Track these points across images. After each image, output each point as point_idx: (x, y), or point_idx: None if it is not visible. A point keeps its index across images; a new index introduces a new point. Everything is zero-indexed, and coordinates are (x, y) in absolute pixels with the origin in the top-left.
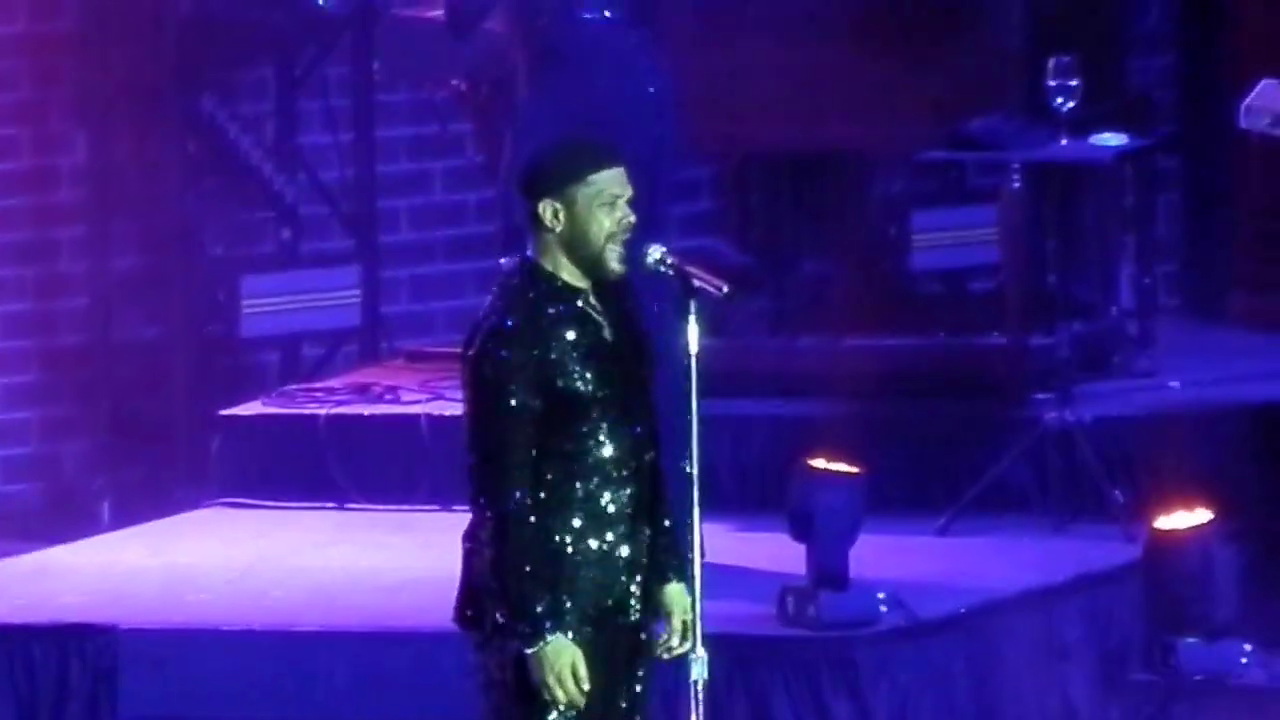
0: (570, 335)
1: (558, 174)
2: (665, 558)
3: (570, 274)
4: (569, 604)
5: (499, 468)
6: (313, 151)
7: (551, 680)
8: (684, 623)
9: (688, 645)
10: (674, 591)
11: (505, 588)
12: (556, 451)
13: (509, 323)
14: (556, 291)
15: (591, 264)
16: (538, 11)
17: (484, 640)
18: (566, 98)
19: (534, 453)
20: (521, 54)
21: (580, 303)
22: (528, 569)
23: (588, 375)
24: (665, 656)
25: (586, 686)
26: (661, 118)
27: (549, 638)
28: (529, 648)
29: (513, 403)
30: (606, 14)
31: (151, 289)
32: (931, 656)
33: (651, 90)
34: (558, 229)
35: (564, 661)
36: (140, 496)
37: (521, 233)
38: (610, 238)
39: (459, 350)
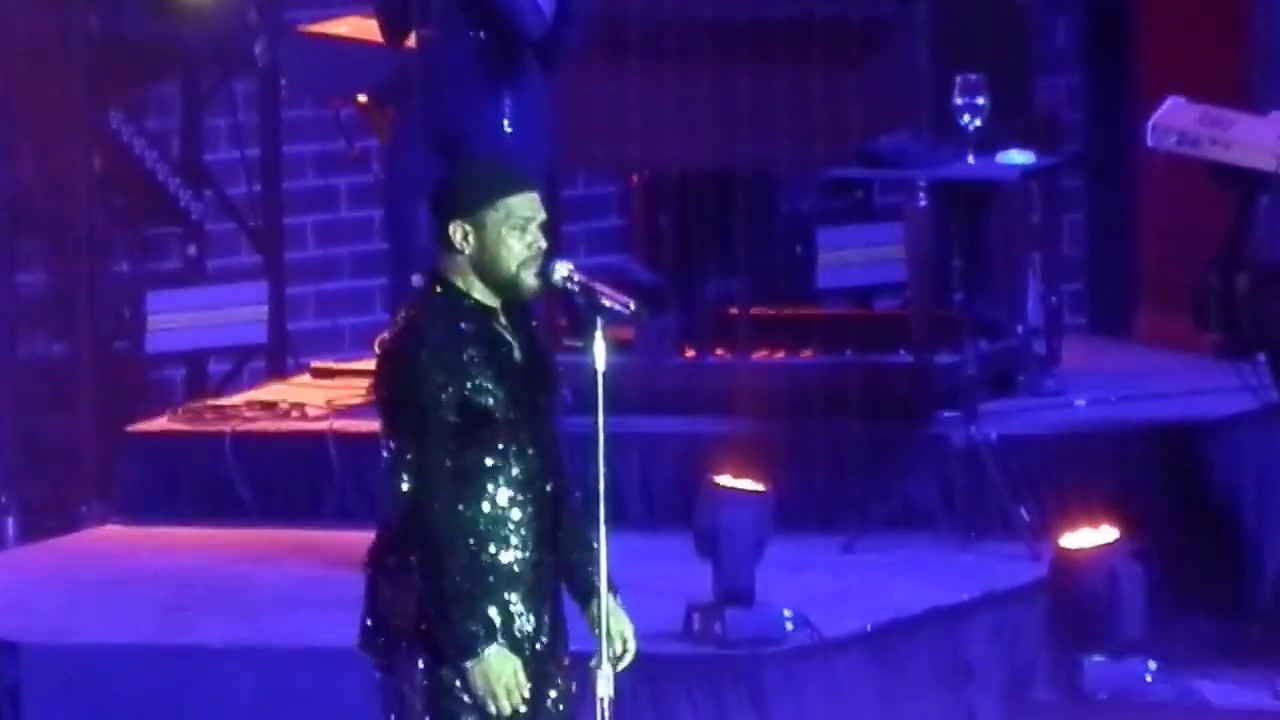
0: (482, 354)
1: (468, 196)
2: (593, 578)
3: (481, 293)
4: (497, 619)
5: (424, 465)
6: (219, 167)
7: (499, 690)
8: (621, 634)
9: (629, 657)
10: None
11: (444, 607)
12: (465, 472)
13: (424, 329)
14: (468, 310)
15: (504, 286)
16: (423, 21)
17: (394, 664)
18: (434, 117)
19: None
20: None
21: (492, 322)
22: (461, 582)
23: (500, 395)
24: (615, 670)
25: (526, 695)
26: (535, 140)
27: (490, 648)
28: (469, 660)
29: (430, 394)
30: (483, 35)
31: (57, 305)
32: (837, 674)
33: (528, 113)
34: (467, 250)
35: (508, 671)
36: (45, 513)
37: (401, 255)
38: (522, 263)
39: (367, 366)
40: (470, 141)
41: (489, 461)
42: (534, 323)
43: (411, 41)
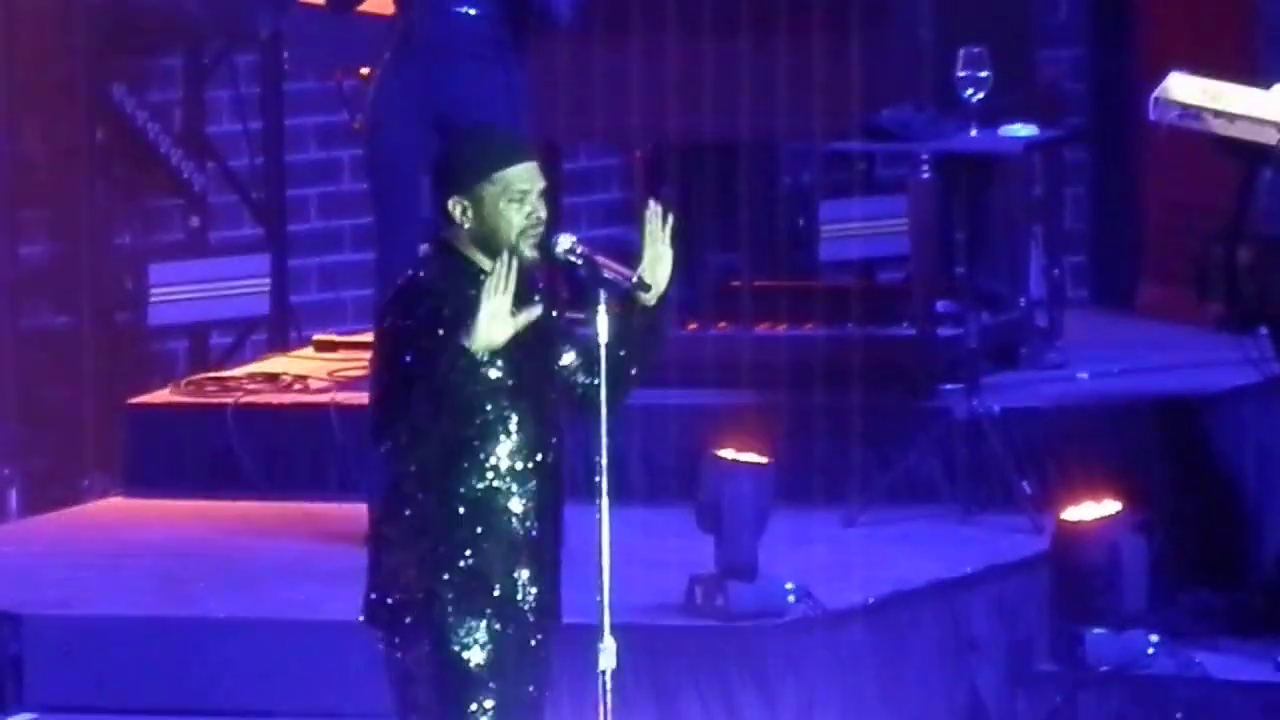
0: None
1: (464, 171)
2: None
3: (484, 263)
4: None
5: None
6: (222, 140)
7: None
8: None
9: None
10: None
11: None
12: (463, 442)
13: (424, 295)
14: (472, 278)
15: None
16: (408, 3)
17: (399, 636)
18: (418, 91)
19: (439, 437)
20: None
21: None
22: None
23: (497, 362)
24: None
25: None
26: (519, 116)
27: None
28: (466, 341)
29: (415, 359)
30: (472, 11)
31: (60, 277)
32: (839, 648)
33: (504, 96)
34: (466, 225)
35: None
36: (47, 485)
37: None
38: (521, 233)
39: (370, 338)
40: (474, 116)
41: (488, 431)
42: (536, 295)
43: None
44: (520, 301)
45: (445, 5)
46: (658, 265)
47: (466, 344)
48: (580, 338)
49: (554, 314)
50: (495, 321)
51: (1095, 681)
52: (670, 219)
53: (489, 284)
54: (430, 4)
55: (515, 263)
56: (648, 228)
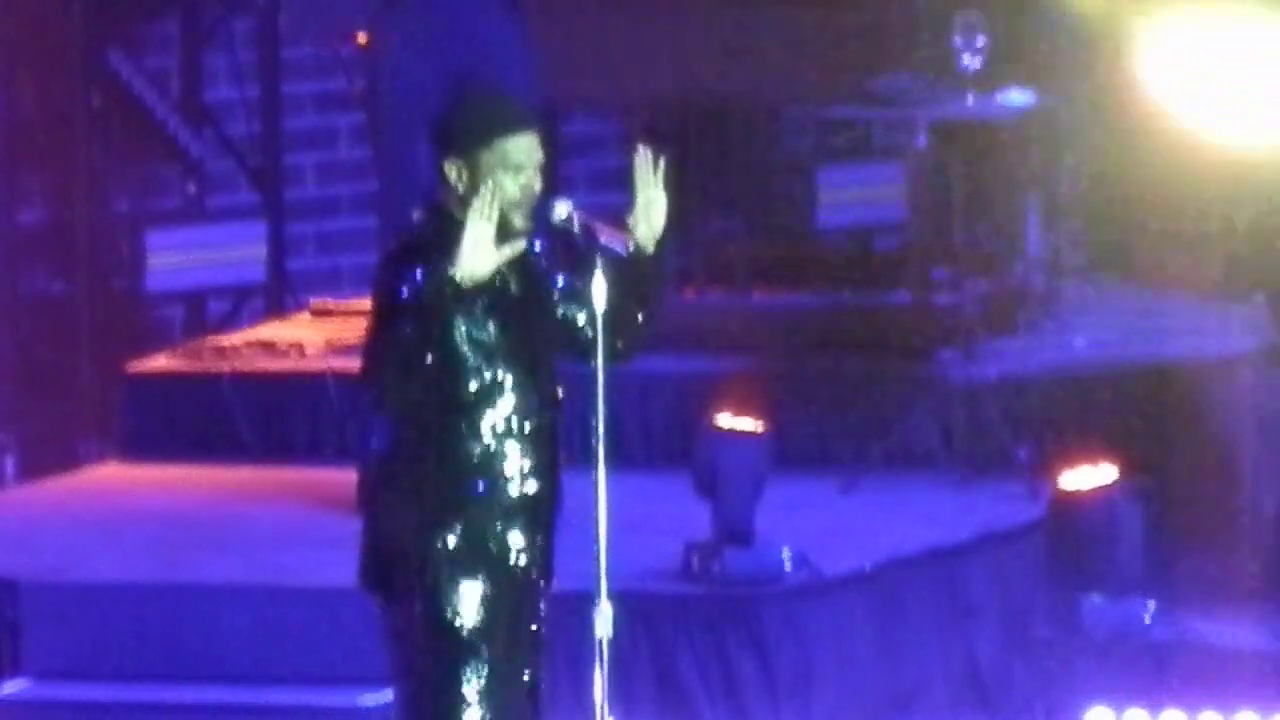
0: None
1: (463, 135)
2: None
3: None
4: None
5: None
6: (219, 106)
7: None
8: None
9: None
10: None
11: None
12: (458, 404)
13: (416, 258)
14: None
15: (496, 225)
16: None
17: (393, 599)
18: (422, 48)
19: (432, 396)
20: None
21: None
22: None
23: (490, 326)
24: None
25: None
26: (529, 77)
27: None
28: (451, 271)
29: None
30: None
31: (57, 243)
32: (836, 613)
33: (520, 49)
34: (460, 189)
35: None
36: (44, 451)
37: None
38: (514, 204)
39: (366, 305)
40: (483, 68)
41: (484, 394)
42: (533, 259)
43: None
44: (517, 266)
45: None
46: (651, 209)
47: (451, 272)
48: (588, 298)
49: (553, 278)
50: (479, 248)
51: (1093, 648)
52: (661, 162)
53: (472, 211)
54: None
55: (498, 192)
56: (639, 174)
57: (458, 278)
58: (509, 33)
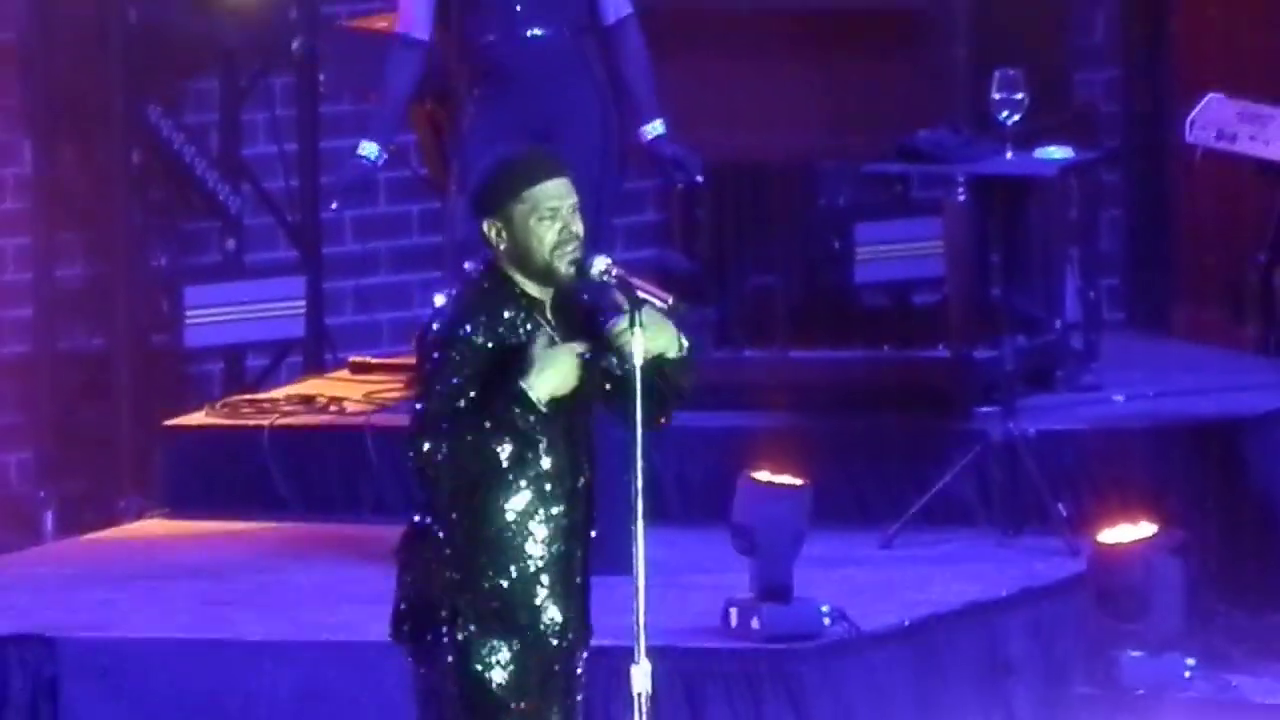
0: (520, 342)
1: (494, 193)
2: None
3: (529, 286)
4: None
5: (443, 434)
6: (258, 162)
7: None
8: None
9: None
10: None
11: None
12: (494, 464)
13: (470, 312)
14: (516, 299)
15: (542, 274)
16: (482, 30)
17: (423, 653)
18: (509, 114)
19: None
20: (463, 70)
21: (536, 313)
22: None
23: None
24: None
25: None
26: (606, 132)
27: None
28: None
29: (461, 361)
30: (540, 32)
31: (96, 299)
32: (875, 670)
33: (596, 105)
34: (502, 247)
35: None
36: (84, 507)
37: (467, 248)
38: (554, 249)
39: (405, 360)
40: (569, 135)
41: (520, 455)
42: (582, 320)
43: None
44: (566, 327)
45: (516, 32)
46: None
47: (527, 387)
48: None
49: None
50: (563, 377)
51: (1132, 705)
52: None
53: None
54: (502, 35)
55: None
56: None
57: (535, 396)
58: (589, 94)
